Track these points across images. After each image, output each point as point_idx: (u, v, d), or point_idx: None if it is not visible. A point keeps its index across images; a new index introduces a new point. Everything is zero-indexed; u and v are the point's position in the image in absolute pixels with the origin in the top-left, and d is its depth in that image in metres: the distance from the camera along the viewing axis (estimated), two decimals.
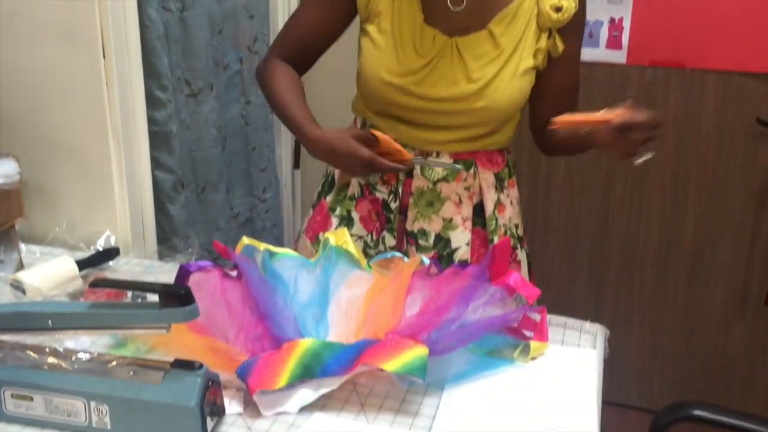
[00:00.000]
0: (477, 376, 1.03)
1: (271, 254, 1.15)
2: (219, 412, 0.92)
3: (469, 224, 1.35)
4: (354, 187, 1.39)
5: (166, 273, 1.34)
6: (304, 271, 1.12)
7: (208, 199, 1.94)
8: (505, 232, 1.38)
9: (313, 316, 1.05)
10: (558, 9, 1.25)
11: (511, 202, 1.41)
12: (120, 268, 1.40)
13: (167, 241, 1.70)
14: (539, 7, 1.26)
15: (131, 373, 0.90)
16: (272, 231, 2.22)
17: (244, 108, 2.04)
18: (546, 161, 2.45)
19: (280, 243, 2.29)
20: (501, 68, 1.26)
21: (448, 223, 1.34)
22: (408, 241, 1.35)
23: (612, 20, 2.22)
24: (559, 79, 1.33)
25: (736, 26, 2.12)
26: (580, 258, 2.51)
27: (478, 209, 1.36)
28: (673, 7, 2.16)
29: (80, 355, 0.92)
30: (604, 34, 2.24)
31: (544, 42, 1.28)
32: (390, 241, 1.36)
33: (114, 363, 0.91)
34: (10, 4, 1.43)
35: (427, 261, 1.15)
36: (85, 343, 1.03)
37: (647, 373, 2.56)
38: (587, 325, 1.17)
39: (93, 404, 0.89)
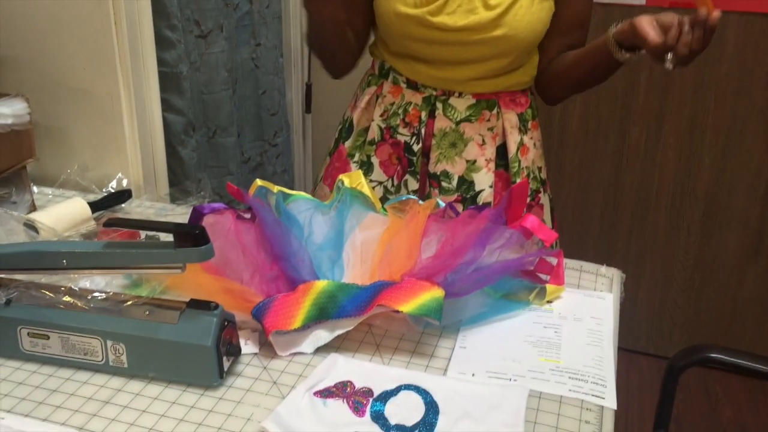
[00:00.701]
0: (493, 318, 1.03)
1: (285, 196, 1.14)
2: (235, 351, 0.92)
3: (492, 166, 1.34)
4: (374, 131, 1.37)
5: (178, 216, 1.33)
6: (319, 213, 1.11)
7: (219, 143, 1.93)
8: (528, 175, 1.37)
9: (329, 257, 1.04)
10: None
11: (534, 144, 1.39)
12: (132, 210, 1.39)
13: (179, 184, 1.69)
14: None
15: (147, 312, 0.90)
16: (283, 176, 2.21)
17: (254, 50, 2.01)
18: (561, 107, 2.41)
19: (291, 188, 2.27)
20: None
21: (472, 165, 1.33)
22: (431, 183, 1.34)
23: None
24: (571, 13, 1.31)
25: None
26: (593, 203, 2.50)
27: (501, 151, 1.35)
28: None
29: (96, 294, 0.92)
30: None
31: None
32: (413, 184, 1.34)
33: (130, 302, 0.91)
34: None
35: (442, 204, 1.13)
36: (99, 284, 1.03)
37: (657, 319, 2.56)
38: (603, 269, 1.16)
39: (109, 343, 0.89)
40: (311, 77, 2.39)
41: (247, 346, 0.96)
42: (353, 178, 1.15)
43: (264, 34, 1.98)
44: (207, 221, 1.10)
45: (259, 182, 1.17)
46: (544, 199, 1.42)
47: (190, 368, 0.88)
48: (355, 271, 1.05)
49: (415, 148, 1.33)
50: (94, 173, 1.45)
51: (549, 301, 1.07)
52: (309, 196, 1.16)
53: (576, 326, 1.02)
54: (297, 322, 0.95)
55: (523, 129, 1.36)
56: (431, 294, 0.95)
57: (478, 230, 1.06)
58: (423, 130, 1.32)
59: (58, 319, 0.91)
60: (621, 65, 1.24)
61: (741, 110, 2.24)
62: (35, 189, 1.40)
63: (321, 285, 0.99)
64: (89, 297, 0.92)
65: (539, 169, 1.41)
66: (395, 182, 1.36)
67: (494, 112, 1.32)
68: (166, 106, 1.66)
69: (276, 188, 1.14)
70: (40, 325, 0.91)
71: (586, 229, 2.53)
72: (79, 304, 0.91)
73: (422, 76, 1.30)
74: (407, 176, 1.35)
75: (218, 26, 1.82)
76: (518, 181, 1.34)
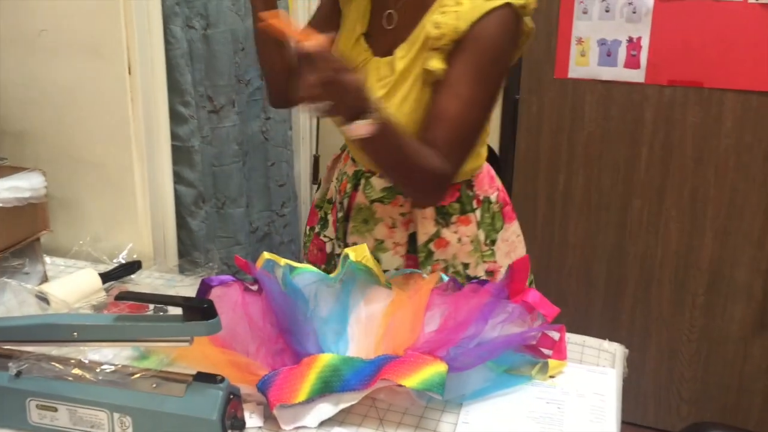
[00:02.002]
0: (495, 393, 1.03)
1: (292, 269, 1.16)
2: (240, 425, 0.93)
3: (401, 250, 1.31)
4: (331, 191, 1.42)
5: (186, 287, 1.35)
6: (324, 286, 1.13)
7: (228, 214, 1.96)
8: (446, 269, 1.31)
9: (333, 331, 1.06)
10: (437, 25, 1.15)
11: (460, 240, 1.31)
12: (141, 282, 1.41)
13: (188, 255, 1.72)
14: (424, 22, 1.18)
15: (154, 385, 0.92)
16: (290, 246, 2.23)
17: (264, 124, 2.07)
18: (564, 179, 2.45)
19: (297, 258, 2.30)
20: (389, 90, 1.20)
21: (380, 244, 1.31)
22: None
23: (630, 39, 2.23)
24: (432, 102, 1.18)
25: (755, 46, 2.13)
26: (597, 275, 2.51)
27: (414, 237, 1.31)
28: (691, 26, 2.17)
29: (104, 366, 0.94)
30: (622, 53, 2.25)
31: (425, 62, 1.17)
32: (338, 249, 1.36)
33: (137, 375, 0.93)
34: (39, 19, 1.47)
35: (446, 278, 1.15)
36: (107, 356, 1.04)
37: (664, 393, 2.54)
38: (606, 344, 1.17)
39: (116, 416, 0.90)
40: (318, 149, 2.45)
41: (252, 419, 0.97)
42: (358, 252, 1.18)
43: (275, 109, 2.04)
44: (215, 293, 1.12)
45: (266, 255, 1.19)
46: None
47: None
48: (359, 345, 1.06)
49: (339, 215, 1.37)
50: (106, 244, 1.47)
51: (551, 376, 1.08)
52: (315, 269, 1.18)
53: (579, 402, 1.02)
54: (301, 396, 0.96)
55: (442, 222, 1.30)
56: (434, 368, 0.96)
57: (481, 304, 1.08)
58: (346, 202, 1.35)
59: (67, 392, 0.92)
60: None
61: (741, 184, 2.27)
62: (48, 259, 1.43)
63: (326, 358, 1.01)
64: (98, 369, 0.93)
65: (465, 265, 1.32)
66: (339, 242, 1.38)
67: (409, 200, 1.29)
68: (177, 178, 1.71)
69: (283, 261, 1.17)
70: (49, 397, 0.92)
71: (590, 300, 2.54)
72: (88, 377, 0.93)
73: (353, 151, 1.35)
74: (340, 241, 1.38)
75: (230, 101, 1.88)
76: (429, 269, 1.29)
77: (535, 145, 2.46)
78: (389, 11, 1.24)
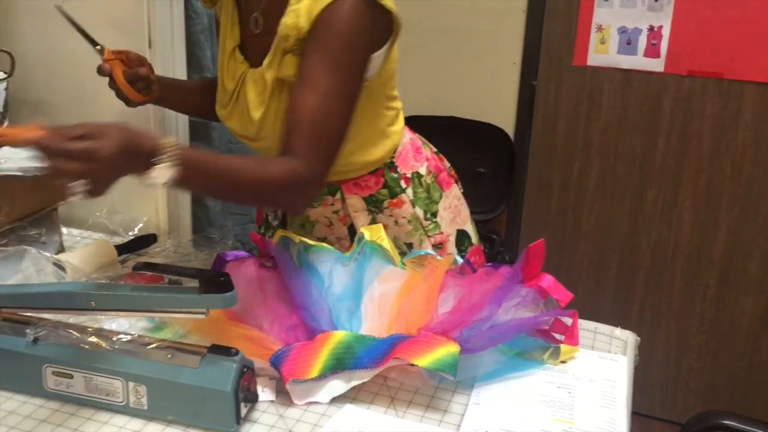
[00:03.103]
0: (507, 376, 1.04)
1: (307, 246, 1.16)
2: (252, 398, 0.93)
3: (346, 243, 1.31)
4: None
5: (201, 261, 1.36)
6: (339, 264, 1.14)
7: None
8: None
9: (347, 309, 1.07)
10: (282, 27, 1.08)
11: (397, 222, 1.30)
12: (156, 255, 1.42)
13: (202, 230, 1.73)
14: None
15: (169, 355, 0.93)
16: None
17: None
18: (579, 166, 2.44)
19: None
20: (267, 104, 1.15)
21: (323, 242, 1.27)
22: None
23: (651, 28, 2.21)
24: (288, 100, 1.11)
25: None
26: (609, 263, 2.51)
27: (353, 228, 1.30)
28: (713, 16, 2.14)
29: (120, 335, 0.95)
30: (642, 41, 2.23)
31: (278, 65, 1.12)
32: None
33: (153, 345, 0.94)
34: None
35: (460, 260, 1.16)
36: (123, 325, 1.05)
37: (672, 383, 2.54)
38: (618, 331, 1.17)
39: (131, 384, 0.91)
40: None
41: (264, 393, 0.98)
42: (373, 232, 1.18)
43: None
44: (230, 269, 1.13)
45: (282, 232, 1.20)
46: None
47: (208, 413, 0.90)
48: (372, 323, 1.07)
49: (273, 222, 1.37)
50: (122, 217, 1.48)
51: (563, 361, 1.08)
52: (330, 247, 1.19)
53: (590, 387, 1.03)
54: (314, 371, 0.97)
55: (375, 209, 1.29)
56: (447, 349, 0.97)
57: (495, 287, 1.08)
58: (279, 211, 1.36)
59: (83, 359, 0.93)
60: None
61: (757, 177, 2.26)
62: (64, 230, 1.44)
63: (339, 335, 1.01)
64: (114, 338, 0.94)
65: (409, 245, 1.31)
66: None
67: (337, 196, 1.28)
68: None
69: (298, 238, 1.17)
70: (65, 364, 0.93)
71: (601, 288, 2.53)
72: (104, 345, 0.94)
73: None
74: None
75: None
76: None
77: (551, 131, 2.45)
78: (254, 15, 1.16)
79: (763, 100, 2.19)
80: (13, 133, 0.89)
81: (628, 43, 2.25)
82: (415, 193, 1.31)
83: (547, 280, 1.11)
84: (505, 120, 2.46)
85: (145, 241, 1.43)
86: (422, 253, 1.19)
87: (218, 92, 1.25)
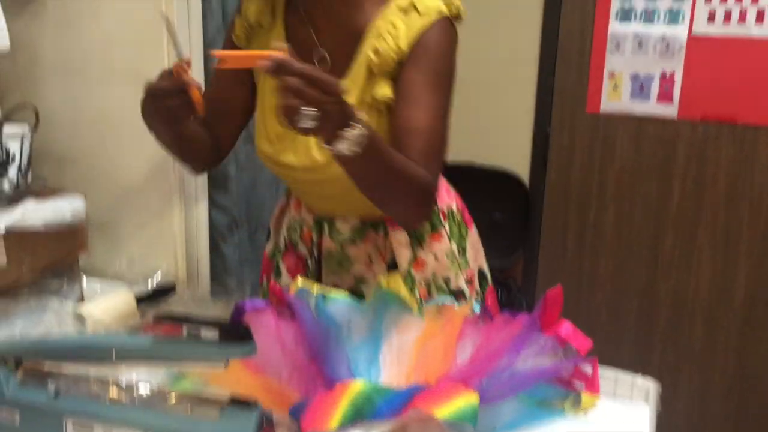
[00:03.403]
0: (527, 425, 1.02)
1: (324, 296, 1.17)
2: None
3: None
4: (281, 241, 1.42)
5: (218, 310, 1.36)
6: (357, 313, 1.14)
7: (261, 240, 1.98)
8: (428, 288, 1.32)
9: (366, 358, 1.06)
10: (376, 51, 1.16)
11: (436, 257, 1.33)
12: (174, 304, 1.43)
13: (220, 279, 1.74)
14: (366, 51, 1.17)
15: (189, 407, 0.92)
16: None
17: None
18: (595, 213, 2.44)
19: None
20: None
21: (359, 282, 1.31)
22: None
23: (663, 74, 2.24)
24: (398, 119, 1.16)
25: None
26: (628, 310, 2.48)
27: (394, 265, 1.32)
28: (724, 62, 2.16)
29: (140, 388, 0.95)
30: (655, 88, 2.26)
31: (373, 90, 1.17)
32: None
33: (173, 397, 0.94)
34: (84, 49, 1.51)
35: (477, 309, 1.15)
36: (142, 377, 1.05)
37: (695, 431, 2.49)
38: (639, 379, 1.16)
39: None
40: None
41: None
42: (391, 281, 1.19)
43: None
44: (248, 318, 1.13)
45: (300, 282, 1.21)
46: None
47: None
48: (391, 373, 1.07)
49: (311, 264, 1.37)
50: (141, 267, 1.50)
51: (584, 410, 1.07)
52: (347, 297, 1.19)
53: None
54: (334, 422, 0.96)
55: (417, 244, 1.31)
56: (466, 399, 0.96)
57: (513, 336, 1.07)
58: (315, 250, 1.36)
59: (103, 412, 0.93)
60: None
61: None
62: (85, 280, 1.46)
63: (358, 385, 1.01)
64: (134, 391, 0.95)
65: (446, 279, 1.33)
66: None
67: (380, 233, 1.30)
68: (212, 203, 1.73)
69: (316, 288, 1.18)
70: (86, 417, 0.94)
71: (620, 335, 2.51)
72: (124, 398, 0.94)
73: (312, 207, 1.35)
74: None
75: None
76: (415, 294, 1.29)
77: (565, 178, 2.46)
78: (319, 52, 1.21)
79: None
80: (242, 55, 0.97)
81: (640, 90, 2.27)
82: (450, 228, 1.35)
83: (566, 328, 1.11)
84: (520, 167, 2.48)
85: (164, 291, 1.44)
86: (439, 303, 1.19)
87: (260, 131, 1.27)
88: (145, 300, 1.38)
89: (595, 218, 2.45)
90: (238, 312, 1.18)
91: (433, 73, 1.16)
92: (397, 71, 1.16)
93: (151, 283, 1.45)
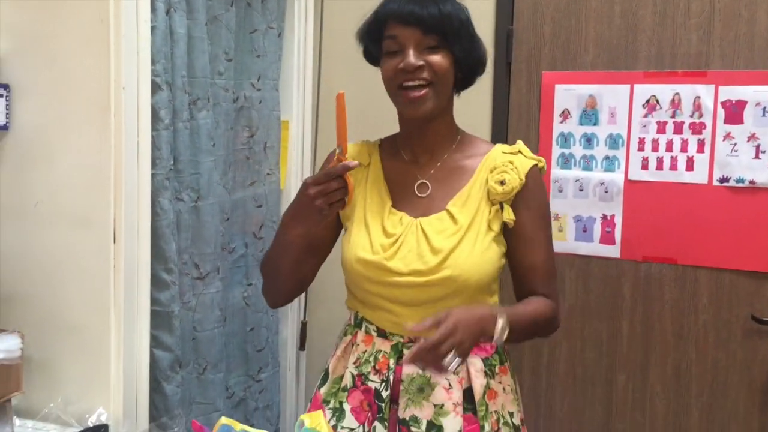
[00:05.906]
0: None
1: None
2: None
3: (459, 410, 1.37)
4: (347, 379, 1.44)
5: None
6: None
7: (209, 380, 1.98)
8: (498, 420, 1.39)
9: None
10: (502, 182, 1.41)
11: (504, 389, 1.43)
12: None
13: (160, 419, 1.72)
14: (489, 183, 1.43)
15: None
16: (265, 411, 2.23)
17: (246, 290, 2.14)
18: (548, 352, 2.46)
19: (275, 424, 2.28)
20: (461, 239, 1.38)
21: (440, 409, 1.37)
22: (400, 429, 1.37)
23: (604, 217, 2.33)
24: (518, 257, 1.46)
25: (722, 226, 2.21)
26: None
27: (468, 394, 1.39)
28: (661, 206, 2.26)
29: None
30: (597, 229, 2.35)
31: (494, 213, 1.42)
32: (381, 431, 1.38)
33: None
34: (37, 191, 1.58)
35: None
36: None
37: None
38: None
39: None
40: (306, 316, 2.49)
41: None
42: (313, 419, 1.20)
43: (256, 274, 2.12)
44: None
45: (224, 420, 1.21)
46: None
47: None
48: None
49: (384, 394, 1.38)
50: (76, 407, 1.50)
51: None
52: None
53: None
54: None
55: (489, 373, 1.41)
56: None
57: None
58: (391, 377, 1.38)
59: None
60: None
61: (722, 361, 2.27)
62: (17, 421, 1.45)
63: None
64: None
65: (511, 414, 1.44)
66: (366, 429, 1.39)
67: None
68: (155, 342, 1.75)
69: (239, 426, 1.19)
70: None
71: None
72: None
73: (388, 324, 1.39)
74: (376, 423, 1.38)
75: (215, 269, 1.96)
76: (487, 426, 1.36)
77: None
78: (421, 182, 1.46)
79: (717, 284, 2.26)
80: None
81: (584, 231, 2.36)
82: (511, 364, 1.51)
83: None
84: None
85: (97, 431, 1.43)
86: None
87: (369, 242, 1.41)
88: None
89: (549, 356, 2.47)
90: None
91: (541, 213, 1.46)
92: (513, 201, 1.43)
93: (85, 425, 1.44)
